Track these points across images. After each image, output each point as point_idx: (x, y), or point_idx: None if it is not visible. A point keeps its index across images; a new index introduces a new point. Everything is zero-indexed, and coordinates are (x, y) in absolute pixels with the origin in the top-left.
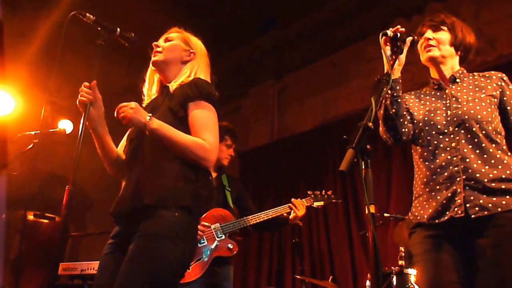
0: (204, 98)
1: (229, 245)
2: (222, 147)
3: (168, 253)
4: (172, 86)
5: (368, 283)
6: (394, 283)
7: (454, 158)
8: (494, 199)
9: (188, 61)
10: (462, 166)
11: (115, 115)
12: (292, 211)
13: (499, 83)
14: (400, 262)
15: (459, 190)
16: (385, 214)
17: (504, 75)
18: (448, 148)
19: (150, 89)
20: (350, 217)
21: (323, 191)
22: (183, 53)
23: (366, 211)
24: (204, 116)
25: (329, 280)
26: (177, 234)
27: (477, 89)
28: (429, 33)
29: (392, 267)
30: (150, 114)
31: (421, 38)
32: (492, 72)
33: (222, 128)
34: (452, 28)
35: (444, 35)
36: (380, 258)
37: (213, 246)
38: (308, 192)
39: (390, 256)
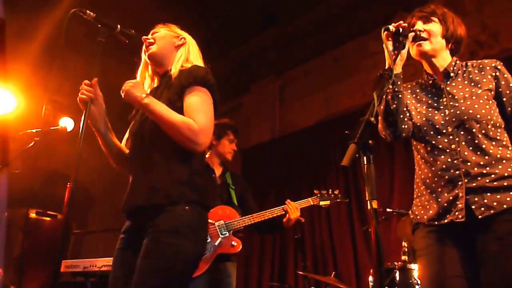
0: (198, 83)
1: (233, 242)
2: (225, 141)
3: (182, 247)
4: (173, 72)
5: (371, 278)
6: (397, 278)
7: (455, 161)
8: (498, 196)
9: (181, 46)
10: (463, 170)
11: (121, 92)
12: (286, 214)
13: (493, 73)
14: (403, 258)
15: (460, 194)
16: (388, 209)
17: (499, 62)
18: (447, 150)
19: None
20: (353, 212)
21: (330, 190)
22: (174, 39)
23: (369, 206)
24: (196, 99)
25: (332, 275)
26: (189, 228)
27: (472, 84)
28: (419, 25)
29: (395, 263)
30: (148, 92)
31: (411, 30)
32: (486, 61)
33: (223, 124)
34: (443, 19)
35: (435, 27)
36: (383, 253)
37: (216, 243)
38: (315, 191)
39: (393, 251)
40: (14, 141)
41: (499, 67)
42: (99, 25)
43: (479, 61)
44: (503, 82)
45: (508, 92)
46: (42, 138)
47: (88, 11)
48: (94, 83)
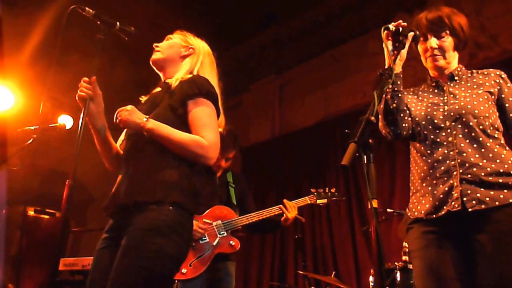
0: (203, 96)
1: (231, 242)
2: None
3: (161, 247)
4: (172, 82)
5: (371, 278)
6: (398, 279)
7: (451, 152)
8: (492, 192)
9: (186, 56)
10: (459, 160)
11: (115, 120)
12: (284, 213)
13: (497, 80)
14: (404, 258)
15: (455, 184)
16: (388, 210)
17: (502, 72)
18: (445, 143)
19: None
20: (353, 212)
21: (327, 188)
22: (181, 49)
23: (369, 206)
24: (203, 114)
25: (332, 275)
26: (170, 228)
27: (475, 86)
28: (433, 42)
29: (396, 263)
30: (147, 116)
31: (424, 43)
32: (491, 69)
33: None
34: (453, 29)
35: (448, 41)
36: (383, 253)
37: (214, 243)
38: (311, 190)
39: (393, 251)
40: (12, 138)
41: (503, 76)
42: (99, 22)
43: (484, 69)
44: (506, 90)
45: (511, 98)
46: (41, 136)
47: (87, 8)
48: (93, 81)
